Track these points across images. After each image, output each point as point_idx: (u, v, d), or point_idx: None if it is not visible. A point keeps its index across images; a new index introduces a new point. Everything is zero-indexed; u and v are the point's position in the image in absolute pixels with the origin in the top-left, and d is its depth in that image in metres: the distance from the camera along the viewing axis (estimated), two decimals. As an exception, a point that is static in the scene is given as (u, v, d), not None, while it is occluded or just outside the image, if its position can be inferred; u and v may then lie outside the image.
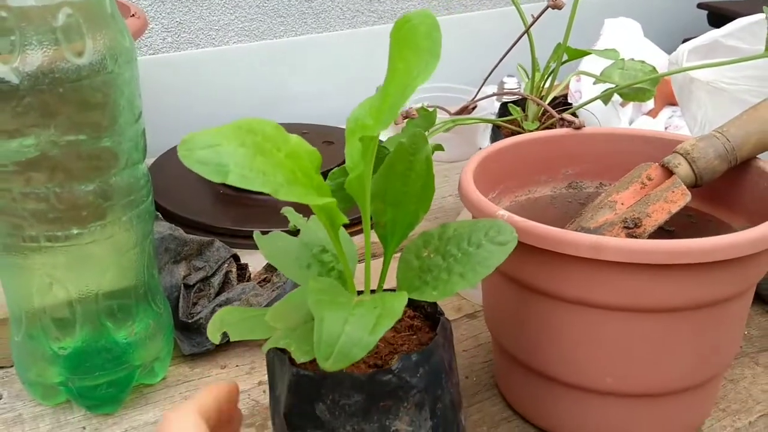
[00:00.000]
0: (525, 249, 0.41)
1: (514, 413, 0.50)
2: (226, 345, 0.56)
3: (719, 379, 0.47)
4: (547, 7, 0.63)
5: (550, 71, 0.68)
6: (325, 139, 0.85)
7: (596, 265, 0.39)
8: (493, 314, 0.49)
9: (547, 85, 0.70)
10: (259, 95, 0.98)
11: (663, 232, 0.49)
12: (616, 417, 0.45)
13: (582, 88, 0.94)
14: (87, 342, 0.47)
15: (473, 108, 0.91)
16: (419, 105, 0.62)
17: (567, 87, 0.99)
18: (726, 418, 0.49)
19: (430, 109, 0.59)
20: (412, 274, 0.38)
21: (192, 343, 0.55)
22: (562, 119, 0.57)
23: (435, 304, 0.41)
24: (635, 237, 0.46)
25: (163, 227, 0.59)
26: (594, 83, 0.72)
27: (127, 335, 0.49)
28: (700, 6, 1.22)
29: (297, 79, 1.00)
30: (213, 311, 0.56)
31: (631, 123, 0.94)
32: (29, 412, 0.50)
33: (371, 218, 0.37)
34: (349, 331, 0.30)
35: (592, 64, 0.81)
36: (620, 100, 0.93)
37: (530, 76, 0.70)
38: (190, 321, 0.55)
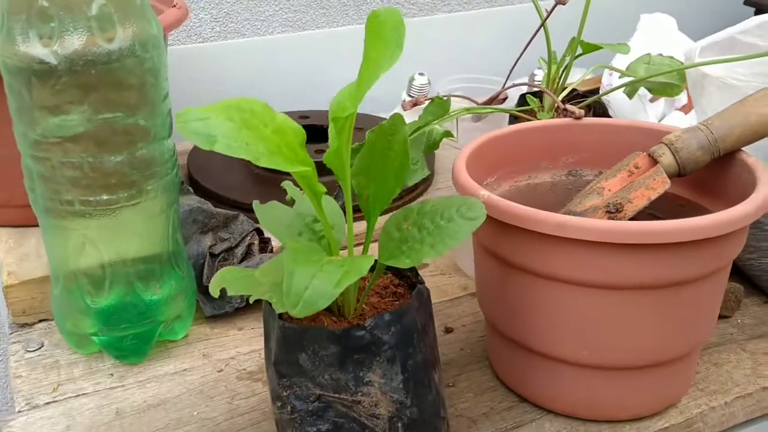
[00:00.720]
0: (504, 227, 0.45)
1: (500, 383, 0.54)
2: (245, 309, 0.61)
3: (693, 357, 0.50)
4: (556, 4, 0.66)
5: (564, 65, 0.71)
6: (356, 125, 0.89)
7: (562, 243, 0.42)
8: (481, 289, 0.53)
9: (563, 77, 0.73)
10: (299, 83, 1.03)
11: (652, 218, 0.51)
12: (592, 388, 0.48)
13: (613, 82, 0.95)
14: (116, 298, 0.53)
15: (504, 99, 0.94)
16: (446, 95, 0.66)
17: (597, 81, 1.01)
18: (703, 397, 0.52)
19: (445, 98, 0.62)
20: (392, 244, 0.42)
21: (213, 305, 0.61)
22: (565, 110, 0.60)
23: (417, 274, 0.45)
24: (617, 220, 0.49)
25: (193, 200, 0.64)
26: (620, 77, 0.74)
27: (152, 294, 0.54)
28: (747, 3, 1.21)
29: (336, 68, 1.05)
30: (233, 278, 0.61)
31: (662, 118, 0.96)
32: (65, 359, 0.57)
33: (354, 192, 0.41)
34: (316, 285, 0.34)
35: (626, 60, 0.82)
36: (648, 95, 0.94)
37: (546, 71, 0.73)
38: (212, 286, 0.61)
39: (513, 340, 0.50)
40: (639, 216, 0.49)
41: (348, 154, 0.38)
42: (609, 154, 0.58)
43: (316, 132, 0.88)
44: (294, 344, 0.40)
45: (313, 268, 0.35)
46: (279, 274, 0.40)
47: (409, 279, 0.46)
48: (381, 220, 0.42)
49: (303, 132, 0.37)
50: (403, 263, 0.40)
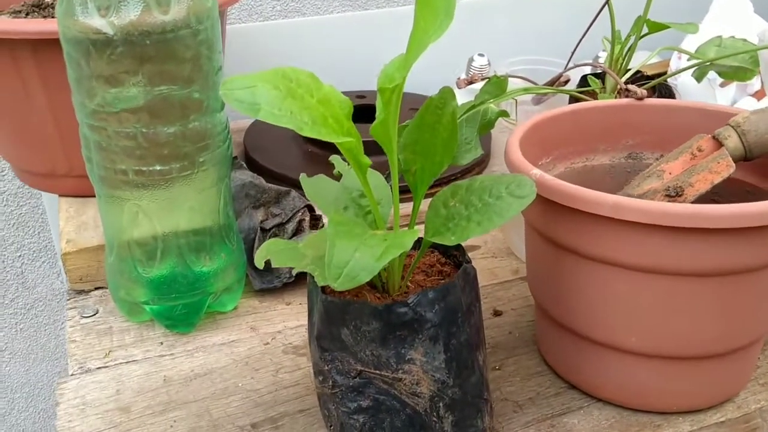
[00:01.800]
0: (556, 208, 0.44)
1: (548, 368, 0.52)
2: (293, 284, 0.62)
3: (753, 350, 0.48)
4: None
5: (628, 44, 0.68)
6: (411, 107, 0.88)
7: (617, 225, 0.41)
8: (532, 272, 0.52)
9: (628, 58, 0.70)
10: (358, 63, 1.02)
11: (715, 203, 0.49)
12: (642, 377, 0.46)
13: (682, 65, 0.92)
14: (167, 268, 0.54)
15: (566, 81, 0.92)
16: (503, 73, 0.65)
17: (665, 64, 0.97)
18: (763, 392, 0.49)
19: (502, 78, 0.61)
20: (438, 221, 0.41)
21: (262, 280, 0.61)
22: (626, 90, 0.58)
23: (464, 253, 0.44)
24: (675, 205, 0.47)
25: (246, 175, 0.65)
26: (688, 60, 0.71)
27: (202, 265, 0.55)
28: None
29: (395, 48, 1.04)
30: (283, 253, 0.61)
31: (733, 104, 0.92)
32: (118, 326, 0.58)
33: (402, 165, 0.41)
34: (358, 257, 0.34)
35: (696, 41, 0.79)
36: (718, 79, 0.90)
37: (609, 51, 0.71)
38: (262, 260, 0.61)
39: (561, 324, 0.48)
40: (701, 201, 0.47)
41: (395, 126, 0.37)
42: (671, 136, 0.56)
43: (372, 111, 0.87)
44: (336, 319, 0.40)
45: (356, 241, 0.34)
46: (323, 247, 0.40)
47: (456, 258, 0.45)
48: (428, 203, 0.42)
49: (350, 103, 0.37)
50: (449, 240, 0.39)
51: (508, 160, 0.48)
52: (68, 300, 0.61)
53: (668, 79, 0.90)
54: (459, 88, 0.63)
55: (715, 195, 0.49)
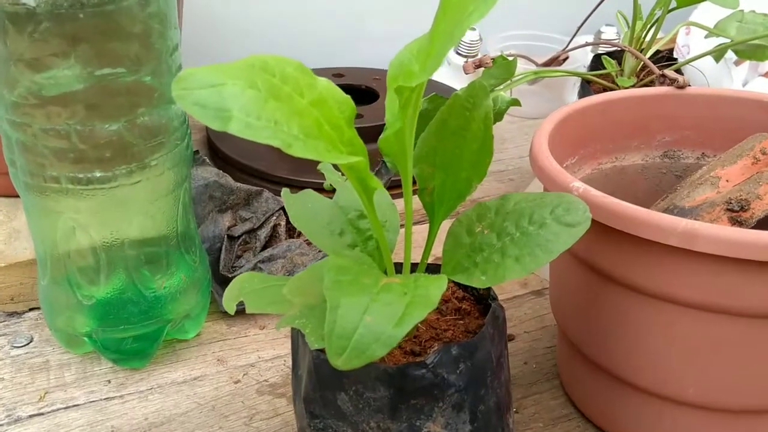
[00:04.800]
0: (602, 229, 0.35)
1: (576, 410, 0.44)
2: (267, 304, 0.52)
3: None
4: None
5: (654, 20, 0.60)
6: (361, 84, 0.78)
7: (687, 257, 0.32)
8: (559, 299, 0.43)
9: (650, 36, 0.62)
10: (334, 36, 0.92)
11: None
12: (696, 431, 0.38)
13: (691, 43, 0.83)
14: (113, 293, 0.44)
15: (564, 59, 0.82)
16: (499, 53, 0.55)
17: (674, 40, 0.88)
18: (831, 441, 0.42)
19: (510, 58, 0.52)
20: (461, 252, 0.32)
21: (231, 299, 0.51)
22: (663, 76, 0.49)
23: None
24: (740, 222, 0.39)
25: (209, 173, 0.55)
26: (705, 37, 0.63)
27: (157, 288, 0.45)
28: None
29: (376, 18, 0.94)
30: (255, 267, 0.52)
31: (744, 85, 0.84)
32: (56, 360, 0.48)
33: (416, 183, 0.31)
34: (369, 323, 0.24)
35: (705, 15, 0.71)
36: (734, 57, 0.82)
37: (630, 25, 0.62)
38: (230, 275, 0.51)
39: (597, 364, 0.40)
40: None
41: (412, 138, 0.27)
42: (715, 132, 0.47)
43: (351, 93, 0.77)
44: (331, 382, 0.31)
45: (365, 296, 0.25)
46: (315, 292, 0.30)
47: (476, 290, 0.36)
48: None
49: (351, 104, 0.27)
50: (477, 280, 0.30)
51: (538, 168, 0.39)
52: (-4, 325, 0.51)
53: (674, 56, 0.81)
54: (466, 73, 0.54)
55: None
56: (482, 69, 0.54)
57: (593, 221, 0.34)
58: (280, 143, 0.23)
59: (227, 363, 0.48)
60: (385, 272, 0.32)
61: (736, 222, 0.39)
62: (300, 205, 0.34)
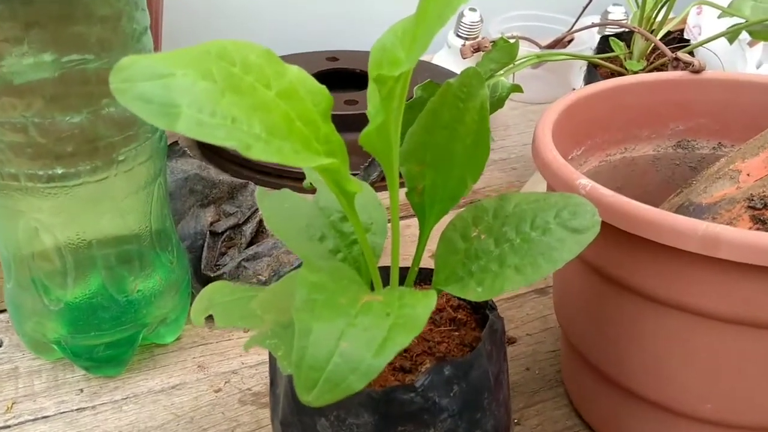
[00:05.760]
0: (612, 231, 0.31)
1: (581, 421, 0.41)
2: (252, 305, 0.49)
3: None
4: None
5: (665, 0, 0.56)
6: (352, 68, 0.75)
7: (708, 263, 0.29)
8: (563, 303, 0.40)
9: (661, 16, 0.58)
10: (333, 17, 0.88)
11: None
12: (713, 448, 0.35)
13: (702, 23, 0.79)
14: (82, 297, 0.41)
15: (569, 41, 0.78)
16: (500, 35, 0.52)
17: (684, 20, 0.84)
18: None
19: (512, 40, 0.48)
20: (455, 259, 0.29)
21: (213, 300, 0.48)
22: (676, 59, 0.45)
23: (486, 294, 0.32)
24: (763, 222, 0.35)
25: (190, 165, 0.51)
26: (718, 17, 0.60)
27: (130, 291, 0.42)
28: None
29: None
30: (239, 266, 0.48)
31: (758, 67, 0.80)
32: (26, 366, 0.45)
33: (403, 182, 0.28)
34: (346, 350, 0.21)
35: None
36: (748, 39, 0.78)
37: (640, 5, 0.58)
38: (212, 275, 0.48)
39: (607, 376, 0.37)
40: (793, 214, 0.36)
41: (397, 133, 0.24)
42: (733, 120, 0.44)
43: (346, 77, 0.74)
44: (309, 407, 0.28)
45: (341, 320, 0.22)
46: (288, 306, 0.27)
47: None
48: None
49: (327, 94, 0.24)
50: (473, 293, 0.27)
51: (540, 162, 0.35)
52: (-37, 328, 0.48)
53: (685, 37, 0.78)
54: (464, 57, 0.50)
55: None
56: (481, 53, 0.50)
57: (603, 223, 0.31)
58: (238, 144, 0.20)
59: (208, 370, 0.45)
60: (372, 283, 0.29)
61: (759, 221, 0.35)
62: (276, 206, 0.30)
